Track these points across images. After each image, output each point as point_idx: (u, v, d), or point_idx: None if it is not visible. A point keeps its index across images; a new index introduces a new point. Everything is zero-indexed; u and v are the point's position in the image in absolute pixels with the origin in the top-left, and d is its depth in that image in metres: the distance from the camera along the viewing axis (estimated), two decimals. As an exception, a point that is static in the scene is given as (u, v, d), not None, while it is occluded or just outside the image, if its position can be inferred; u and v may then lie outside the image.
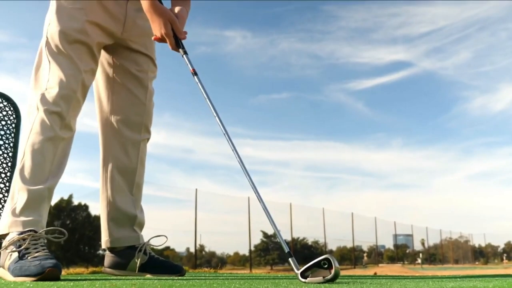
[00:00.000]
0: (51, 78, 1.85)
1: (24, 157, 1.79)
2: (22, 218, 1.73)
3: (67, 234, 1.80)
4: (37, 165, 1.78)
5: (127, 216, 2.06)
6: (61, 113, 1.82)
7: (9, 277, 1.65)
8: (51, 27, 1.90)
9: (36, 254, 1.63)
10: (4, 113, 3.11)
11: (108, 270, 2.08)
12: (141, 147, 2.11)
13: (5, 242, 1.72)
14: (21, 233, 1.69)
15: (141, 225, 2.12)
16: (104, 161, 2.11)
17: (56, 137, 1.81)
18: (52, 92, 1.82)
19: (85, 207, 24.74)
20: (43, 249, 1.67)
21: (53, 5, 1.93)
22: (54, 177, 1.82)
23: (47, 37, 1.90)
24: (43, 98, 1.82)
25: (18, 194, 1.76)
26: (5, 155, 3.14)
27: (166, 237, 2.12)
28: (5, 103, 3.12)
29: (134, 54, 2.10)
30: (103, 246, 2.09)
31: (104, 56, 2.11)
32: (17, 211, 1.74)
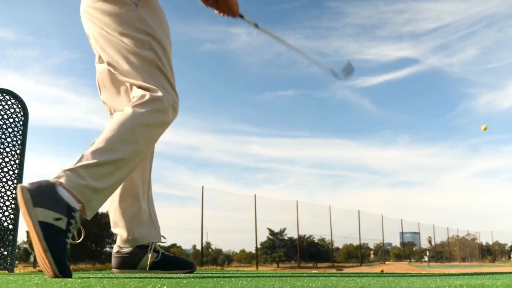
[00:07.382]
0: None
1: None
2: None
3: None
4: None
5: (147, 213, 2.05)
6: None
7: None
8: None
9: None
10: (12, 110, 3.11)
11: (116, 270, 2.07)
12: None
13: None
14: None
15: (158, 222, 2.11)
16: None
17: None
18: None
19: (92, 204, 24.78)
20: None
21: None
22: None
23: None
24: None
25: None
26: (13, 153, 3.15)
27: (165, 238, 2.10)
28: (13, 101, 3.12)
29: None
30: (122, 244, 2.03)
31: None
32: None
